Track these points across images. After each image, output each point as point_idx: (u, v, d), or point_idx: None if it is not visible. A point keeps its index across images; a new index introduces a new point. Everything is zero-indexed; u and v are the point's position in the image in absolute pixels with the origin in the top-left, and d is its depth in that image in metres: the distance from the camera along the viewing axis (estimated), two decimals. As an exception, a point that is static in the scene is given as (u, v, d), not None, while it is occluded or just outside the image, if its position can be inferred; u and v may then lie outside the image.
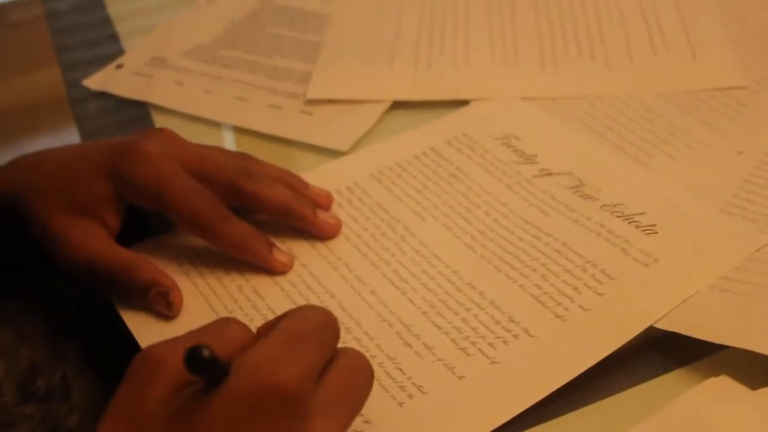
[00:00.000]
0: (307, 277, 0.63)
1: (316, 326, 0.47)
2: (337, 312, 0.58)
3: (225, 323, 0.48)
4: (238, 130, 0.82)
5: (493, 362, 0.54)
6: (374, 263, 0.63)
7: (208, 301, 0.62)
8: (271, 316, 0.59)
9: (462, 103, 0.79)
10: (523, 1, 0.91)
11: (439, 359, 0.55)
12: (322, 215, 0.65)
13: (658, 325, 0.55)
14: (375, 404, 0.52)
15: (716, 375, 0.52)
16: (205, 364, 0.41)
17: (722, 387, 0.52)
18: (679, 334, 0.54)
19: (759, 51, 0.80)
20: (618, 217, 0.63)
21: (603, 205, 0.64)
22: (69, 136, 0.87)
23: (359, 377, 0.47)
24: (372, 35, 0.89)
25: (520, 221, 0.64)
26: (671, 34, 0.83)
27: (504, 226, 0.64)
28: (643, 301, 0.57)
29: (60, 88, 0.90)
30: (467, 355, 0.55)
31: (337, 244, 0.65)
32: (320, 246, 0.65)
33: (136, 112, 0.85)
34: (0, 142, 2.33)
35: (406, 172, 0.71)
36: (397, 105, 0.80)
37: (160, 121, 0.83)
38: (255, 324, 0.59)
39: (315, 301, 0.61)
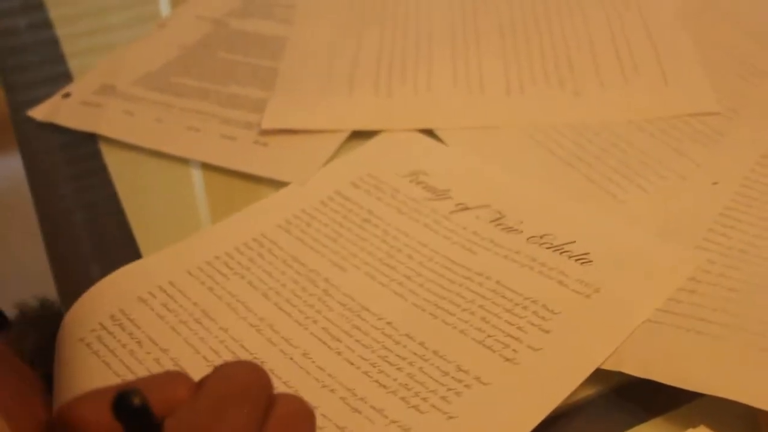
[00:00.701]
0: (230, 342, 0.58)
1: (245, 384, 0.43)
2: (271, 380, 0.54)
3: (171, 379, 0.44)
4: (191, 162, 0.77)
5: (450, 417, 0.51)
6: (300, 322, 0.59)
7: (113, 369, 0.57)
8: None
9: (425, 131, 0.76)
10: (488, 25, 0.87)
11: (393, 421, 0.52)
12: None
13: (607, 367, 0.53)
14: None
15: (694, 426, 0.50)
16: (134, 412, 0.37)
17: None
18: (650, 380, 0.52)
19: (732, 75, 0.77)
20: (547, 248, 0.61)
21: (529, 237, 0.62)
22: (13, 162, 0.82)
23: (300, 425, 0.44)
24: (331, 61, 0.85)
25: (447, 262, 0.61)
26: (642, 58, 0.80)
27: (430, 269, 0.61)
28: (592, 333, 0.55)
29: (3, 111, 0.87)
30: (421, 413, 0.52)
31: (255, 302, 0.61)
32: (237, 306, 0.61)
33: (85, 148, 0.81)
34: None
35: (315, 219, 0.67)
36: (357, 134, 0.76)
37: (109, 153, 0.79)
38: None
39: (244, 371, 0.56)
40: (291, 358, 0.56)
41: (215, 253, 0.65)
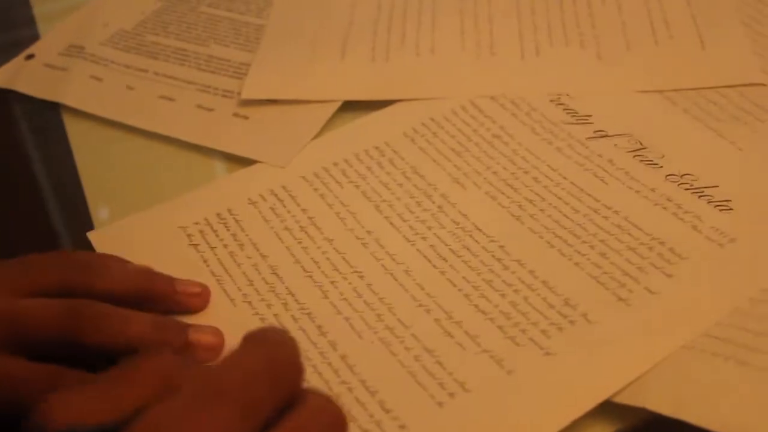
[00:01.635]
0: (333, 254, 0.56)
1: (244, 380, 0.36)
2: (366, 295, 0.52)
3: (149, 360, 0.38)
4: (163, 137, 0.69)
5: (548, 353, 0.47)
6: (408, 238, 0.56)
7: (220, 282, 0.55)
8: (291, 302, 0.53)
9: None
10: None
11: (485, 350, 0.48)
12: (195, 335, 0.50)
13: (626, 401, 0.45)
14: (411, 405, 0.46)
15: None
16: None
17: None
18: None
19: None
20: (686, 189, 0.56)
21: (668, 175, 0.57)
22: None
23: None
24: (322, 21, 0.76)
25: (575, 189, 0.57)
26: (676, 18, 0.70)
27: (556, 195, 0.57)
28: (718, 284, 0.50)
29: None
30: (517, 345, 0.48)
31: (367, 215, 0.58)
32: (347, 216, 0.58)
33: (47, 116, 0.73)
34: None
35: (443, 129, 0.63)
36: (349, 105, 0.68)
37: (73, 126, 0.71)
38: (273, 309, 0.52)
39: (341, 284, 0.53)
40: (391, 274, 0.54)
41: (333, 159, 0.63)
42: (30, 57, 0.79)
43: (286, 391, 0.37)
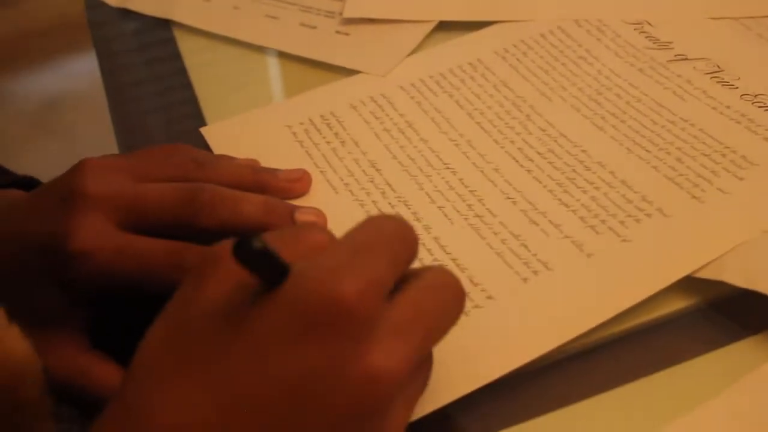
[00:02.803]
0: (427, 152, 0.60)
1: (388, 238, 0.41)
2: (458, 188, 0.56)
3: (306, 228, 0.45)
4: (268, 51, 0.74)
5: (625, 240, 0.52)
6: (498, 141, 0.60)
7: (323, 173, 0.60)
8: (389, 192, 0.58)
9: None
10: None
11: (566, 236, 0.52)
12: (301, 216, 0.55)
13: (706, 275, 0.49)
14: (498, 280, 0.50)
15: None
16: (255, 255, 0.37)
17: None
18: (753, 296, 0.47)
19: None
20: (759, 107, 0.60)
21: (743, 95, 0.61)
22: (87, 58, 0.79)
23: (442, 295, 0.42)
24: None
25: (654, 105, 0.61)
26: None
27: (636, 109, 0.61)
28: None
29: (77, 9, 0.83)
30: (596, 233, 0.52)
31: (459, 120, 0.62)
32: (441, 121, 0.62)
33: (160, 35, 0.78)
34: (34, 60, 2.34)
35: (532, 50, 0.68)
36: (443, 25, 0.72)
37: (184, 42, 0.76)
38: (372, 197, 0.57)
39: (435, 177, 0.58)
40: (482, 171, 0.58)
41: (429, 72, 0.67)
42: None
43: (412, 256, 0.42)
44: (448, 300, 0.42)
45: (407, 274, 0.42)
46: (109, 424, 0.40)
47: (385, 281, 0.40)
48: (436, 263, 0.43)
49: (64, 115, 2.16)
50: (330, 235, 0.43)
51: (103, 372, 0.54)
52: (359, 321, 0.38)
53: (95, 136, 0.53)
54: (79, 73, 2.26)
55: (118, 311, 0.56)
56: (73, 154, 0.56)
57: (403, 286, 0.41)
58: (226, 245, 0.40)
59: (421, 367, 0.42)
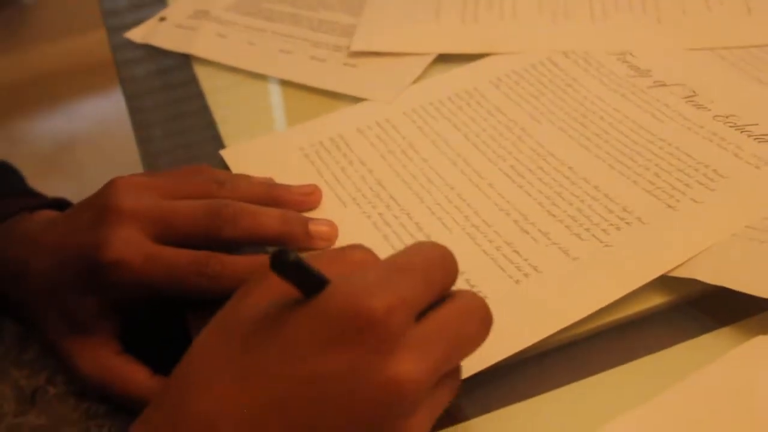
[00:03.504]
0: (428, 170, 0.66)
1: (427, 262, 0.45)
2: (456, 201, 0.62)
3: (350, 247, 0.48)
4: (280, 82, 0.81)
5: (606, 245, 0.57)
6: (492, 160, 0.66)
7: (332, 189, 0.65)
8: (393, 205, 0.63)
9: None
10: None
11: (554, 243, 0.58)
12: (314, 227, 0.61)
13: (680, 274, 0.54)
14: (492, 282, 0.56)
15: (765, 334, 0.50)
16: (289, 266, 0.41)
17: None
18: (724, 292, 0.52)
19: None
20: (730, 126, 0.65)
21: (715, 116, 0.66)
22: (113, 97, 0.84)
23: (470, 319, 0.45)
24: None
25: (635, 126, 0.67)
26: None
27: (618, 130, 0.66)
28: (755, 195, 0.59)
29: (105, 51, 0.89)
30: (581, 239, 0.58)
31: (457, 142, 0.68)
32: (440, 143, 0.68)
33: (180, 70, 0.84)
34: (47, 103, 2.40)
35: (523, 79, 0.74)
36: (442, 58, 0.79)
37: (203, 74, 0.83)
38: (378, 210, 0.63)
39: (435, 192, 0.64)
40: (477, 186, 0.64)
41: (429, 100, 0.73)
42: (162, 19, 0.91)
43: (449, 283, 0.46)
44: (473, 322, 0.45)
45: (443, 296, 0.45)
46: (153, 416, 0.45)
47: (417, 302, 0.43)
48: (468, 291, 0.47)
49: (74, 155, 2.22)
50: (373, 255, 0.47)
51: (133, 373, 0.59)
52: (385, 334, 0.41)
53: (105, 176, 0.57)
54: (89, 115, 2.32)
55: (143, 320, 0.61)
56: (84, 193, 0.62)
57: (434, 307, 0.44)
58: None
59: (444, 383, 0.45)
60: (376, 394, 0.41)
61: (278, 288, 0.44)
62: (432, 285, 0.44)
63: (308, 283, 0.43)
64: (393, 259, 0.45)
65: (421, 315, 0.43)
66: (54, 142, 2.29)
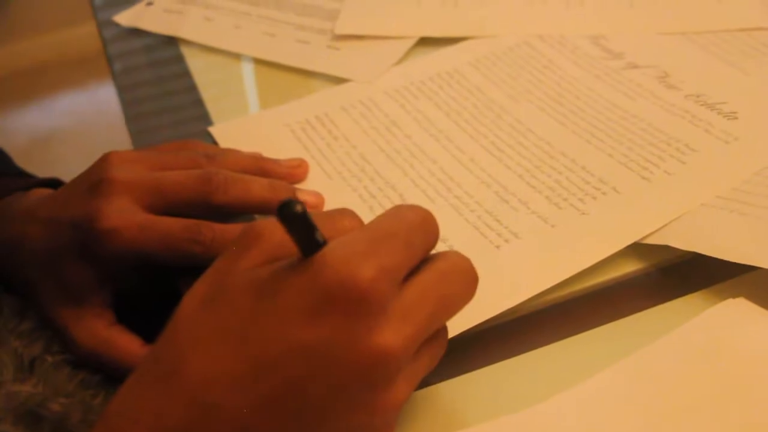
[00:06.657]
0: (411, 146, 0.68)
1: (408, 227, 0.45)
2: (439, 174, 0.64)
3: (340, 212, 0.49)
4: (265, 63, 0.83)
5: (583, 214, 0.59)
6: (473, 136, 0.68)
7: (318, 163, 0.67)
8: (377, 177, 0.65)
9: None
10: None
11: (533, 212, 0.60)
12: (301, 196, 0.64)
13: (653, 241, 0.57)
14: (473, 248, 0.58)
15: (734, 297, 0.53)
16: (295, 218, 0.42)
17: (739, 308, 0.52)
18: (699, 258, 0.54)
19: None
20: (701, 105, 0.68)
21: (687, 95, 0.69)
22: (100, 91, 0.86)
23: (454, 279, 0.46)
24: None
25: (608, 104, 0.69)
26: None
27: (594, 108, 0.69)
28: (724, 168, 0.62)
29: (83, 46, 0.92)
30: (559, 208, 0.60)
31: (438, 119, 0.71)
32: (422, 120, 0.71)
33: (168, 52, 0.87)
34: (24, 98, 2.41)
35: (501, 61, 0.76)
36: (423, 41, 0.81)
37: (190, 56, 0.85)
38: (363, 183, 0.65)
39: (418, 166, 0.66)
40: (459, 161, 0.66)
41: (411, 80, 0.76)
42: (149, 4, 0.93)
43: (431, 244, 0.47)
44: (459, 282, 0.46)
45: (426, 258, 0.46)
46: (143, 378, 0.46)
47: (399, 268, 0.44)
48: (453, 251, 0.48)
49: (50, 150, 2.23)
50: (358, 221, 0.49)
51: (126, 343, 0.60)
52: (370, 304, 0.42)
53: (81, 171, 0.59)
54: (66, 110, 2.33)
55: (135, 290, 0.63)
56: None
57: (417, 271, 0.45)
58: (265, 224, 0.46)
59: (431, 344, 0.46)
60: (361, 361, 0.42)
61: (269, 252, 0.46)
62: (414, 249, 0.45)
63: (307, 240, 0.43)
64: (377, 225, 0.46)
65: (406, 279, 0.45)
66: (30, 136, 2.29)
